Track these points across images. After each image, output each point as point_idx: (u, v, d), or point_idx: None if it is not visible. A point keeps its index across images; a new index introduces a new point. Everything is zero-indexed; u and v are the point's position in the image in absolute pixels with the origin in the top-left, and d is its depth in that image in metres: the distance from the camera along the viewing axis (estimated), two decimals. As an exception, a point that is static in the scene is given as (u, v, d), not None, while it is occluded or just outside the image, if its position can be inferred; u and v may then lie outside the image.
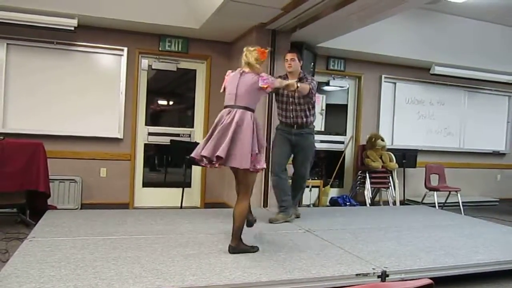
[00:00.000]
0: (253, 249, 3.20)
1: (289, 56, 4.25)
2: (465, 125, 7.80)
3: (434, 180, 6.71)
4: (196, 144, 5.71)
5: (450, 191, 6.53)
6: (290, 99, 4.25)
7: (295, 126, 4.30)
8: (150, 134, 5.99)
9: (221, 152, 2.98)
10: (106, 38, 5.63)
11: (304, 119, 4.28)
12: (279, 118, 4.45)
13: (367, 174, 6.33)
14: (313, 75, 6.24)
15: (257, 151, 3.08)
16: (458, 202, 6.30)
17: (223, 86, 3.36)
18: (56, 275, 2.49)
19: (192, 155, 3.18)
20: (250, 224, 3.49)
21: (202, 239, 3.48)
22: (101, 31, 5.59)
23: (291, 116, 4.29)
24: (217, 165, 3.14)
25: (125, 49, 5.72)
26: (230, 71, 3.38)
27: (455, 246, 3.62)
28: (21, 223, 4.55)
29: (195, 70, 6.25)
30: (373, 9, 4.41)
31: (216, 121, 3.19)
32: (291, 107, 4.28)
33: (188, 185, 6.13)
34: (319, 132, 6.41)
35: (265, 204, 5.29)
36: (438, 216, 5.30)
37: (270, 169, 4.58)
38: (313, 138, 4.46)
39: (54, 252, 2.92)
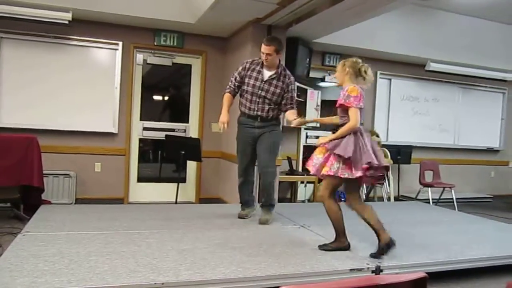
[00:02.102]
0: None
1: (265, 49, 3.84)
2: (459, 121, 7.84)
3: (429, 176, 6.74)
4: (191, 139, 5.75)
5: (444, 187, 6.57)
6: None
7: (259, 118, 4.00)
8: (145, 129, 5.97)
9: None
10: (100, 32, 5.59)
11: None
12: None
13: (362, 170, 6.33)
14: (308, 71, 6.25)
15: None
16: (452, 198, 6.34)
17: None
18: (50, 269, 2.48)
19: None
20: None
21: (196, 234, 3.48)
22: (96, 25, 5.55)
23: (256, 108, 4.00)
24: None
25: (120, 43, 5.69)
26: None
27: (449, 242, 3.64)
28: (15, 217, 4.53)
29: (190, 65, 6.23)
30: (369, 4, 4.41)
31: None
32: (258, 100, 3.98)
33: (183, 180, 6.12)
34: (314, 128, 6.42)
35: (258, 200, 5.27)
36: (432, 212, 5.33)
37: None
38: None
39: (48, 247, 2.91)
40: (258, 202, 4.52)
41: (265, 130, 4.00)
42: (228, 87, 4.11)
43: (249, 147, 4.05)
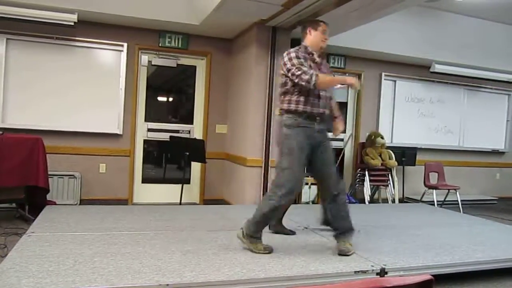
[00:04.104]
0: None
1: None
2: (464, 123, 7.80)
3: (433, 178, 6.71)
4: (196, 140, 5.76)
5: (449, 189, 6.53)
6: None
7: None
8: (149, 130, 5.98)
9: None
10: (106, 34, 5.62)
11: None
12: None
13: (367, 172, 6.32)
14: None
15: None
16: (457, 200, 6.31)
17: None
18: (54, 270, 2.49)
19: None
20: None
21: (201, 235, 3.48)
22: (101, 26, 5.57)
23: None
24: None
25: (125, 44, 5.71)
26: None
27: (453, 244, 3.62)
28: (20, 218, 4.56)
29: (195, 67, 6.24)
30: (374, 6, 4.40)
31: None
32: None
33: (188, 181, 6.13)
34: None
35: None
36: (437, 214, 5.31)
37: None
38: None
39: (53, 248, 2.92)
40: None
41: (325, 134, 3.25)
42: (308, 72, 3.06)
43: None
